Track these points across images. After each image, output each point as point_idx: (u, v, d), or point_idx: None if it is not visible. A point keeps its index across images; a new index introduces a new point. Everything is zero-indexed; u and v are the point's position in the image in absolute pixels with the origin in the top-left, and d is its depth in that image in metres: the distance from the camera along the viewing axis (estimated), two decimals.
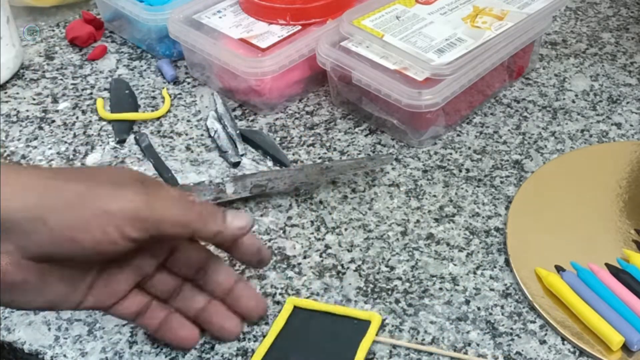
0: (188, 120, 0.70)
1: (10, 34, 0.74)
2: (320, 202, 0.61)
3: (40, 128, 0.70)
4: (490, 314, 0.52)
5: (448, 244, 0.57)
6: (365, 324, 0.51)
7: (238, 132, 0.67)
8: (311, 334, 0.50)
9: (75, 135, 0.69)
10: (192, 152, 0.67)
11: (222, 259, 0.50)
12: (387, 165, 0.65)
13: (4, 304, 0.42)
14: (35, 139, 0.68)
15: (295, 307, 0.52)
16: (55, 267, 0.41)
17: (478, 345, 0.50)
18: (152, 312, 0.47)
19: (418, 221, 0.59)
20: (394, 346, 0.50)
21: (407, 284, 0.54)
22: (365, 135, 0.68)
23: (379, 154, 0.66)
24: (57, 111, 0.72)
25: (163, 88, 0.74)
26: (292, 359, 0.49)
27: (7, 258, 0.39)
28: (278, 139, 0.68)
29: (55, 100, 0.73)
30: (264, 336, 0.50)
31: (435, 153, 0.66)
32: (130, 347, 0.50)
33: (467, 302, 0.53)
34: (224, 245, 0.48)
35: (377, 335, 0.50)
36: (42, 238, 0.39)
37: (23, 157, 0.67)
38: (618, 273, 0.53)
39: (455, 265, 0.56)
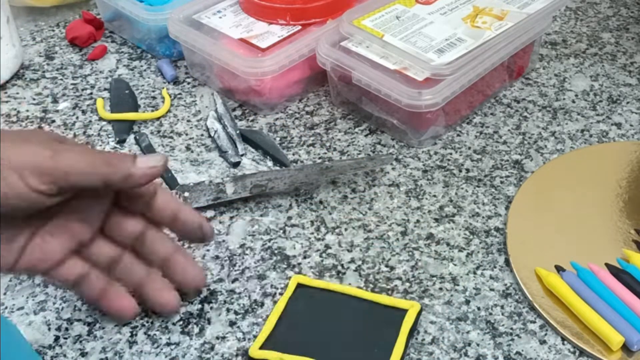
0: (188, 120, 0.70)
1: (10, 34, 0.74)
2: (320, 202, 0.61)
3: (40, 128, 0.70)
4: (490, 314, 0.52)
5: (448, 244, 0.57)
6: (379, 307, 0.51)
7: (238, 132, 0.67)
8: (316, 312, 0.51)
9: (75, 135, 0.69)
10: (192, 152, 0.67)
11: (161, 229, 0.50)
12: (387, 165, 0.64)
13: None
14: None
15: (299, 284, 0.53)
16: None
17: (478, 345, 0.50)
18: (91, 281, 0.48)
19: (418, 221, 0.59)
20: None
21: (407, 284, 0.54)
22: (365, 135, 0.68)
23: (379, 154, 0.66)
24: (57, 111, 0.72)
25: (163, 88, 0.74)
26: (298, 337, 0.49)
27: None
28: (278, 139, 0.68)
29: (55, 100, 0.73)
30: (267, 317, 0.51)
31: (435, 153, 0.66)
32: (130, 347, 0.50)
33: (467, 302, 0.53)
34: (163, 220, 0.49)
35: None
36: None
37: None
38: (618, 273, 0.53)
39: (455, 265, 0.56)
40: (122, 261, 0.49)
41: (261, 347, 0.49)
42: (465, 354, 0.50)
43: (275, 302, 0.53)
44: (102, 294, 0.49)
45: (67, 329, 0.52)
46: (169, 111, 0.71)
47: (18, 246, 0.44)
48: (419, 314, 0.51)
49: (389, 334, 0.49)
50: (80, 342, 0.51)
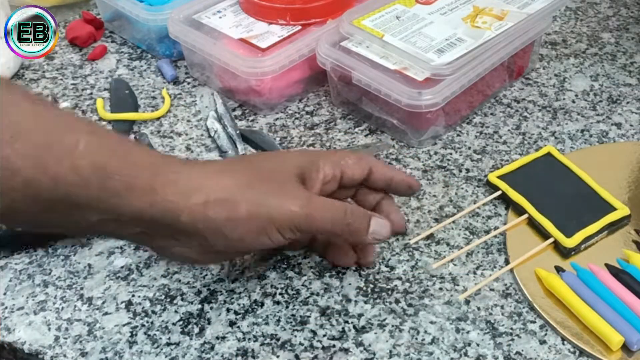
0: (188, 120, 0.70)
1: None
2: None
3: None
4: (490, 314, 0.52)
5: (448, 244, 0.57)
6: (611, 207, 0.58)
7: (238, 132, 0.67)
8: (549, 177, 0.61)
9: None
10: (192, 152, 0.67)
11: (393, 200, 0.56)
12: (384, 152, 0.64)
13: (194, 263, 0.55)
14: None
15: (548, 153, 0.63)
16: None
17: (478, 345, 0.50)
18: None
19: (418, 221, 0.59)
20: (394, 345, 0.50)
21: (407, 284, 0.54)
22: (365, 135, 0.68)
23: (375, 141, 0.66)
24: None
25: (163, 88, 0.74)
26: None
27: (191, 251, 0.49)
28: (278, 139, 0.68)
29: (55, 100, 0.73)
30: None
31: (435, 153, 0.66)
32: (130, 347, 0.50)
33: (467, 302, 0.53)
34: (379, 187, 0.55)
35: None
36: (219, 243, 0.48)
37: None
38: (618, 273, 0.53)
39: (455, 265, 0.56)
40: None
41: (499, 177, 0.60)
42: (465, 354, 0.50)
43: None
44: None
45: (67, 329, 0.52)
46: (169, 111, 0.71)
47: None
48: (625, 219, 0.57)
49: (589, 218, 0.57)
50: (80, 342, 0.51)
